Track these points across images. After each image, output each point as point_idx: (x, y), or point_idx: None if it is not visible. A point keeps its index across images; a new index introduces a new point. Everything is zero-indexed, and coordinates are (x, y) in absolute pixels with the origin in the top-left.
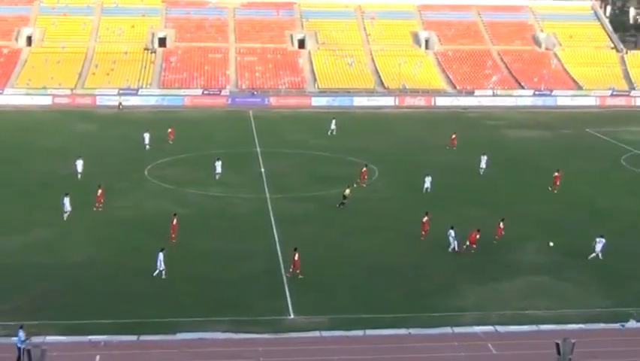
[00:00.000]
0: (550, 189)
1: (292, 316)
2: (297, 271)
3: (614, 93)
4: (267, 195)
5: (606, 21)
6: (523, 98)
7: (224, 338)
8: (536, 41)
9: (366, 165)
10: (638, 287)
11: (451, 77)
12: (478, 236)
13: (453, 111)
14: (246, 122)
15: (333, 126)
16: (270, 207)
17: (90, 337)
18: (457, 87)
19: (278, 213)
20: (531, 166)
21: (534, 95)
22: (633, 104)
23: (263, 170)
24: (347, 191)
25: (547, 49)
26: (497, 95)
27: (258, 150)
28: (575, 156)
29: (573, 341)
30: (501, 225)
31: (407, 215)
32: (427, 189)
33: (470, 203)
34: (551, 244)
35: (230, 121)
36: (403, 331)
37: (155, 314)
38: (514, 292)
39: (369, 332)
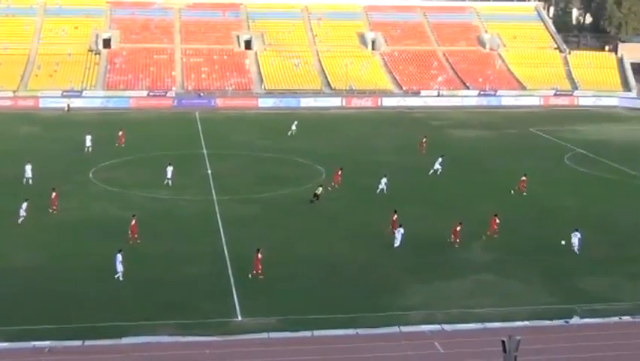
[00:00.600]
0: (512, 192)
1: (240, 318)
2: (253, 272)
3: (558, 93)
4: (214, 197)
5: (549, 22)
6: (469, 99)
7: (170, 341)
8: (481, 42)
9: (341, 168)
10: (581, 284)
11: (397, 77)
12: (459, 228)
13: (399, 112)
14: (193, 123)
15: (293, 127)
16: (217, 209)
17: (34, 343)
18: (404, 88)
19: (225, 215)
20: (477, 166)
21: (479, 95)
22: (576, 103)
23: (209, 171)
24: (319, 190)
25: (491, 49)
26: (443, 96)
27: (205, 151)
28: (520, 156)
29: (518, 338)
30: (496, 220)
31: (355, 216)
32: (381, 190)
33: (420, 203)
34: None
35: (176, 122)
36: (351, 331)
37: (101, 318)
38: (460, 290)
39: (317, 332)
